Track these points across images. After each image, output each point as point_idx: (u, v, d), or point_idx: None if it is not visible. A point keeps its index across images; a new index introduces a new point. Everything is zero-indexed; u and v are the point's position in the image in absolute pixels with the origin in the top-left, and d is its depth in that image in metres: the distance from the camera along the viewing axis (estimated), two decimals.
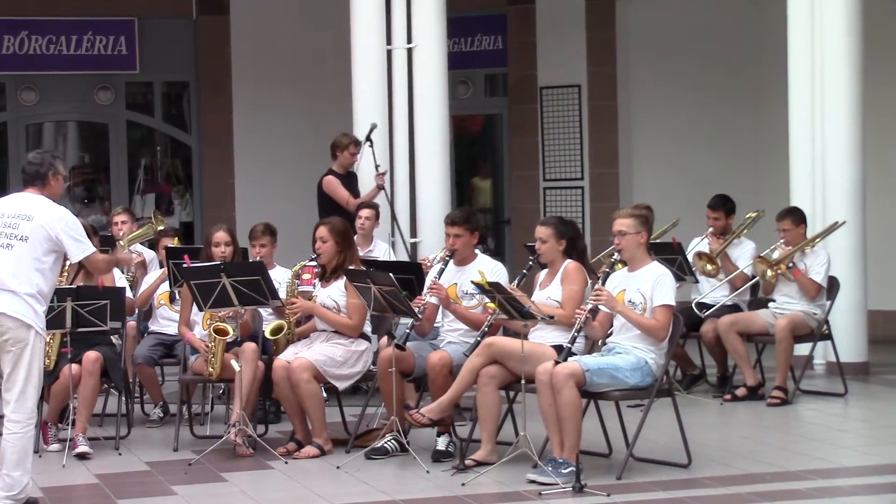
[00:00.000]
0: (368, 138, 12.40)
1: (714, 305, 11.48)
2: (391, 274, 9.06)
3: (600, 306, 8.47)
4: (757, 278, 11.36)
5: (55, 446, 9.40)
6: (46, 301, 7.70)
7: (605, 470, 8.53)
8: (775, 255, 11.23)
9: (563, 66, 16.24)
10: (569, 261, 8.84)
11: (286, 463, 8.97)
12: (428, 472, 8.58)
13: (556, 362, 8.25)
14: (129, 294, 10.13)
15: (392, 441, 9.07)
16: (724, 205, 11.73)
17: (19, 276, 7.50)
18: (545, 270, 9.00)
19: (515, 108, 16.74)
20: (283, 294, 9.59)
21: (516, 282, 8.84)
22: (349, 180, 12.49)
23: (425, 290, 9.27)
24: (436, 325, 9.43)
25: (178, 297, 10.24)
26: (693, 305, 11.39)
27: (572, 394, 8.19)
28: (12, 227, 7.59)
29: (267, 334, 9.64)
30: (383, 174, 12.40)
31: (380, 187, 12.36)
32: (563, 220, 9.07)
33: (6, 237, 7.57)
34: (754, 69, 15.88)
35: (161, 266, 10.97)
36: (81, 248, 7.69)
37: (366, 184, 12.52)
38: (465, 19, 16.10)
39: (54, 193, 7.79)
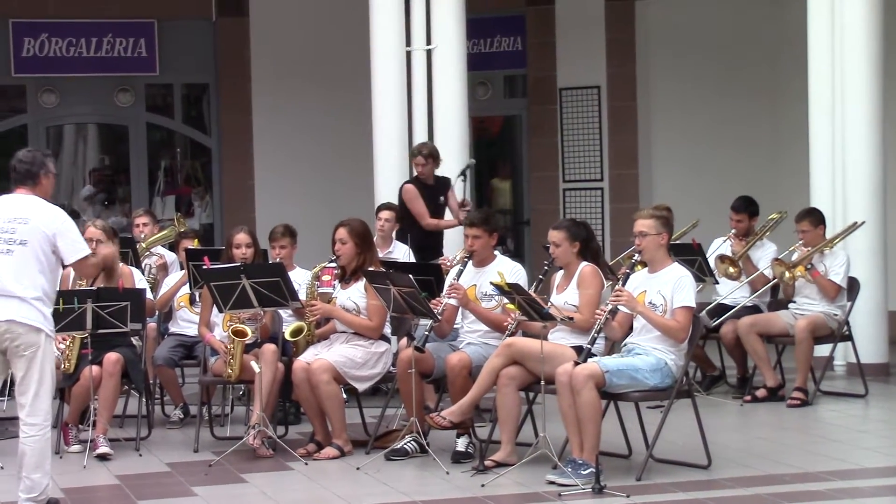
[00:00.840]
0: (463, 173, 12.38)
1: (734, 306, 11.48)
2: (410, 275, 9.09)
3: (620, 307, 8.48)
4: (775, 280, 11.35)
5: (76, 447, 9.44)
6: (52, 302, 7.67)
7: (624, 471, 8.53)
8: (794, 256, 11.22)
9: (583, 67, 16.24)
10: (584, 263, 8.83)
11: (306, 464, 8.99)
12: (448, 473, 8.60)
13: (576, 363, 8.26)
14: (149, 296, 10.16)
15: (412, 442, 9.09)
16: (747, 207, 11.72)
17: (23, 282, 7.46)
18: (561, 272, 9.01)
19: (535, 109, 16.75)
20: (302, 296, 9.61)
21: (534, 287, 8.85)
22: (435, 190, 12.30)
23: (444, 291, 9.29)
24: (455, 326, 9.44)
25: (198, 298, 10.27)
26: (705, 312, 11.36)
27: (592, 395, 8.19)
28: (10, 231, 7.48)
29: (287, 336, 9.66)
30: (467, 209, 12.19)
31: (461, 223, 12.23)
32: (575, 221, 9.08)
33: (5, 243, 7.47)
34: (774, 69, 15.87)
35: (181, 268, 11.00)
36: (77, 248, 7.59)
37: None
38: (484, 20, 16.10)
39: (46, 192, 7.65)
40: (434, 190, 12.30)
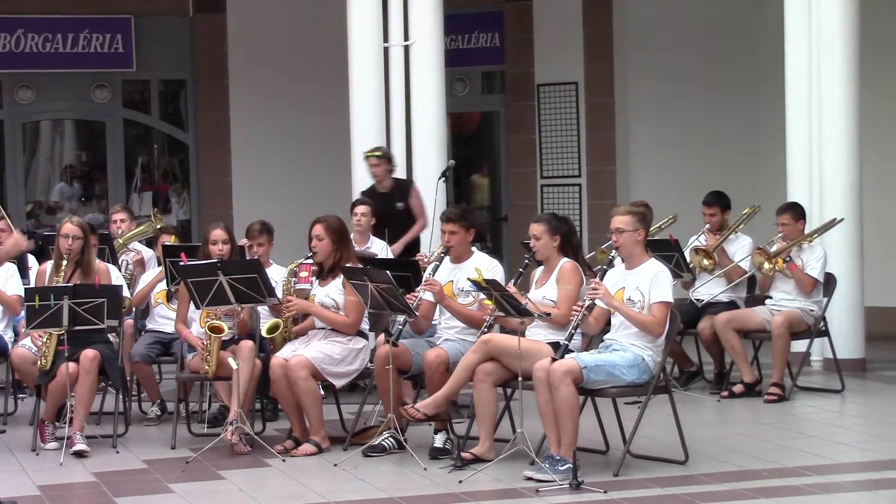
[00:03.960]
0: (444, 175, 12.37)
1: (704, 301, 11.51)
2: (388, 271, 9.08)
3: (596, 301, 8.49)
4: (751, 272, 11.39)
5: (52, 445, 9.41)
6: None
7: (602, 467, 8.55)
8: (772, 249, 11.25)
9: (560, 63, 16.25)
10: (565, 260, 8.84)
11: (284, 461, 8.99)
12: (425, 469, 8.60)
13: (553, 359, 8.27)
14: (126, 292, 10.14)
15: (389, 438, 9.09)
16: (719, 200, 11.75)
17: None
18: (541, 268, 9.02)
19: (512, 106, 16.76)
20: (279, 293, 9.60)
21: (513, 281, 8.86)
22: (390, 196, 12.26)
23: (420, 286, 9.28)
24: (433, 322, 9.44)
25: (175, 295, 10.26)
26: (691, 295, 11.46)
27: (569, 391, 8.21)
28: None
29: (263, 333, 9.65)
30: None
31: (424, 226, 12.18)
32: (557, 216, 9.07)
33: None
34: (752, 65, 15.90)
35: (159, 264, 10.98)
36: None
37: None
38: (462, 16, 16.11)
39: None
40: (389, 197, 12.26)
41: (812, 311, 11.13)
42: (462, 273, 9.19)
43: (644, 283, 8.47)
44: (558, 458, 8.19)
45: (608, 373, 8.36)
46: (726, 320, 11.16)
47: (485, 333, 8.77)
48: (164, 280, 10.49)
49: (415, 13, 12.81)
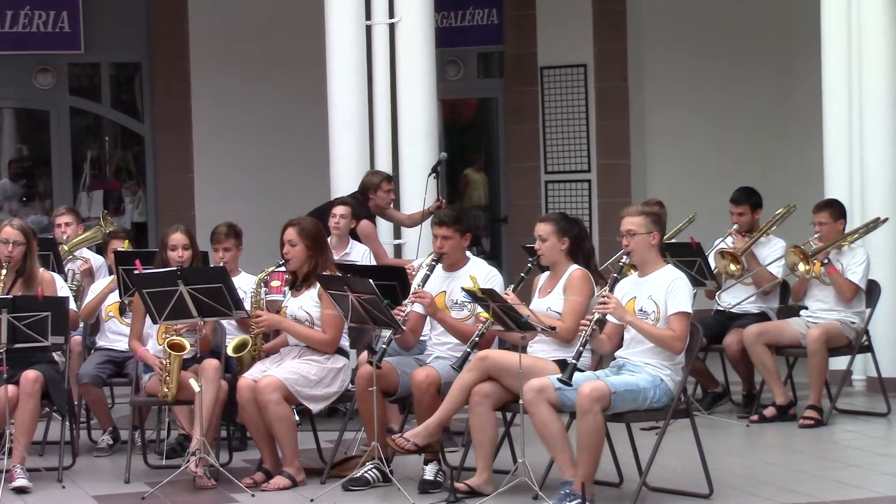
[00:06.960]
0: (434, 169, 12.40)
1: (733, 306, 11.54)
2: (371, 280, 9.08)
3: (607, 316, 8.48)
4: (784, 277, 11.39)
5: None
6: None
7: (615, 501, 8.57)
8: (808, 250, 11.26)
9: (567, 43, 16.29)
10: (575, 267, 8.85)
11: (253, 496, 8.98)
12: None
13: (560, 380, 8.25)
14: (73, 305, 10.14)
15: (373, 470, 9.09)
16: (748, 198, 11.76)
17: None
18: (546, 274, 9.02)
19: (513, 91, 16.79)
20: (248, 305, 9.61)
21: (513, 286, 8.85)
22: None
23: (409, 297, 9.28)
24: (422, 337, 9.45)
25: (129, 308, 10.26)
26: (717, 297, 11.48)
27: (597, 420, 8.14)
28: None
29: (229, 351, 9.66)
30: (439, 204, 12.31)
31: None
32: (567, 216, 9.08)
33: None
34: (783, 44, 15.93)
35: (110, 273, 10.99)
36: None
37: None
38: None
39: None
40: None
41: (853, 323, 11.14)
42: (456, 283, 9.19)
43: (658, 293, 8.46)
44: (567, 492, 8.18)
45: (633, 398, 8.33)
46: (756, 334, 11.17)
47: (475, 343, 8.75)
48: (117, 291, 10.50)
49: None
